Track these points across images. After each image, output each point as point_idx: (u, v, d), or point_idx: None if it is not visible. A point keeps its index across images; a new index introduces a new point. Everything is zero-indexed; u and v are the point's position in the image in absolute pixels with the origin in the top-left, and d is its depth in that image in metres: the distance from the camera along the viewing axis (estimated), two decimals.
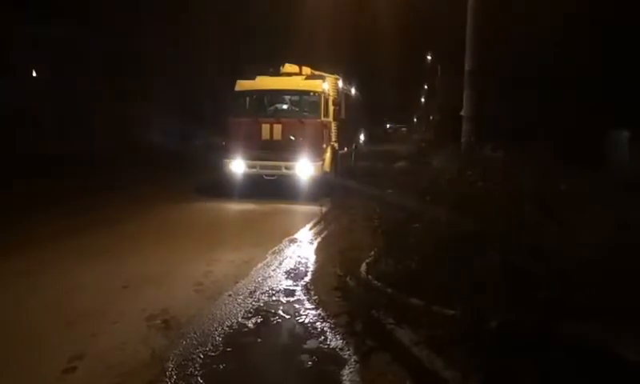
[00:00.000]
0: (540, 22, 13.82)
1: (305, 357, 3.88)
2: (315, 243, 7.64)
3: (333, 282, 5.37)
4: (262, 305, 4.95)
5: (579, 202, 4.78)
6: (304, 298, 5.21)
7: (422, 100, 48.76)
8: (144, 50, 20.23)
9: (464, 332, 3.31)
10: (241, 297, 5.13)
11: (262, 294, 5.26)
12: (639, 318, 3.17)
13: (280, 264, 6.42)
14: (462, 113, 9.91)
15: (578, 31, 13.28)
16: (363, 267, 5.21)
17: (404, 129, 50.64)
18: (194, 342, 4.05)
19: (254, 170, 11.96)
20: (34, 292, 5.22)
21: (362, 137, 19.73)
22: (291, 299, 5.15)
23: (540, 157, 5.52)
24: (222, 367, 3.67)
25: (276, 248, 7.18)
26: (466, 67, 9.85)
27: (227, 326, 4.38)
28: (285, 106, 12.57)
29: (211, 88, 22.62)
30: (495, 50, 13.06)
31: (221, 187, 12.28)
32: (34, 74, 19.52)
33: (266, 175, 11.95)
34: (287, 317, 4.69)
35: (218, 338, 4.15)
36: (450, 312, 3.60)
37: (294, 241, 7.71)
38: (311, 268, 6.31)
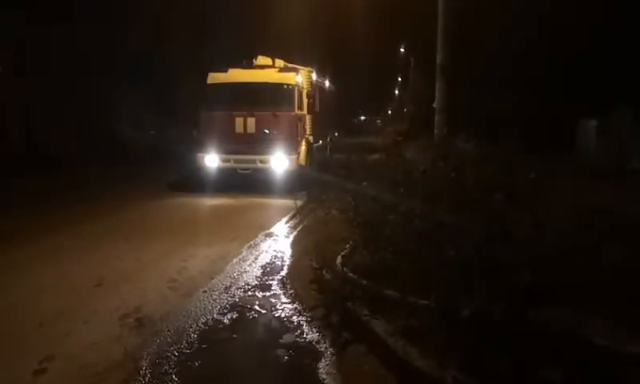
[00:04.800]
0: (513, 13, 14.04)
1: (281, 351, 3.88)
2: (291, 237, 7.63)
3: (309, 275, 5.36)
4: (237, 300, 4.92)
5: (547, 190, 4.89)
6: (280, 292, 5.20)
7: (396, 92, 49.11)
8: (116, 45, 19.79)
9: (438, 321, 3.35)
10: (216, 293, 5.09)
11: (237, 289, 5.23)
12: (605, 303, 3.27)
13: (256, 259, 6.39)
14: (435, 104, 10.02)
15: (551, 24, 13.55)
16: (339, 260, 5.22)
17: (378, 121, 50.90)
18: (169, 339, 4.00)
19: (228, 164, 11.87)
20: (3, 292, 5.08)
21: (336, 129, 19.75)
22: (267, 294, 5.14)
23: (510, 146, 5.61)
24: (197, 364, 3.64)
25: (251, 242, 7.14)
26: (438, 59, 9.96)
27: (202, 323, 4.35)
28: (258, 99, 12.46)
29: (184, 80, 22.28)
30: (467, 42, 13.22)
31: (194, 182, 12.15)
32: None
33: (241, 169, 11.87)
34: (263, 311, 4.67)
35: (192, 335, 4.10)
36: (424, 302, 3.64)
37: (269, 235, 7.68)
38: (287, 262, 6.30)
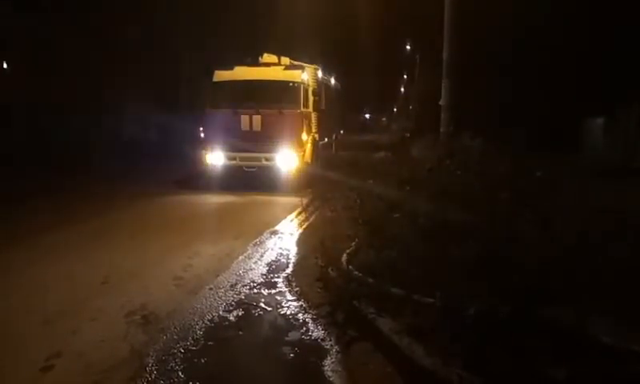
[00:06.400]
0: (518, 12, 13.95)
1: (287, 349, 3.88)
2: (296, 235, 7.63)
3: (314, 273, 5.37)
4: (243, 297, 4.93)
5: (553, 189, 4.87)
6: (285, 289, 5.20)
7: (402, 89, 48.96)
8: (119, 42, 19.83)
9: (443, 320, 3.35)
10: (222, 290, 5.10)
11: (243, 286, 5.24)
12: (610, 302, 3.25)
13: (261, 256, 6.40)
14: (441, 102, 9.99)
15: (556, 22, 13.45)
16: (344, 258, 5.23)
17: (384, 119, 50.76)
18: (175, 336, 4.01)
19: (234, 161, 11.90)
20: (9, 290, 5.10)
21: (342, 127, 19.74)
22: (273, 291, 5.14)
23: (516, 145, 5.60)
24: (203, 361, 3.65)
25: (257, 240, 7.15)
26: (444, 57, 9.92)
27: (208, 320, 4.36)
28: (264, 97, 12.46)
29: (187, 78, 22.33)
30: (474, 40, 13.16)
31: (200, 180, 12.18)
32: (5, 66, 18.99)
33: (246, 167, 11.89)
34: (269, 309, 4.67)
35: (198, 332, 4.11)
36: (430, 300, 3.64)
37: (275, 233, 7.68)
38: (292, 259, 6.30)
